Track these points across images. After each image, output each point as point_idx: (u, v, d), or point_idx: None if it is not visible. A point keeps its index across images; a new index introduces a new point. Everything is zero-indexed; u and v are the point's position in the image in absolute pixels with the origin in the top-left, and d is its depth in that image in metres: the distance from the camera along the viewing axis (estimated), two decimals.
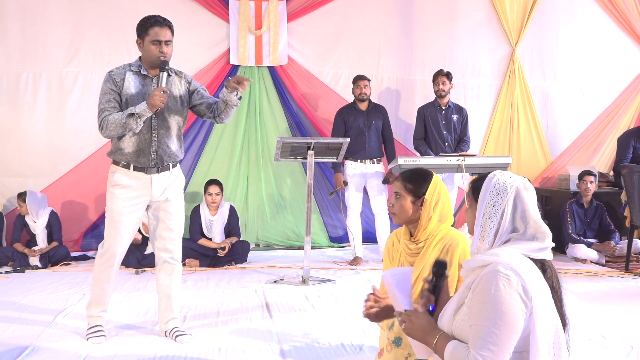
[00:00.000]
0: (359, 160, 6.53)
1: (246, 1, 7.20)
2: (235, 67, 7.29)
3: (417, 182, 2.74)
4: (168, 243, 3.91)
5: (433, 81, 6.78)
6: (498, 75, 7.91)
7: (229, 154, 7.33)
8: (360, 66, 7.48)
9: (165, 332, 3.91)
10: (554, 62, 8.04)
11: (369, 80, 6.66)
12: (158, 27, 3.70)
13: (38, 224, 6.40)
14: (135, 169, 3.76)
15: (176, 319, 3.97)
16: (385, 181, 6.55)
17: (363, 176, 6.54)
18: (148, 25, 3.70)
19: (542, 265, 1.98)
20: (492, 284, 1.87)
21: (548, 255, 2.00)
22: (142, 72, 3.78)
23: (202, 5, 7.19)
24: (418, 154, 6.79)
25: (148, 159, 3.76)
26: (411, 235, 2.81)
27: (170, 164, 3.87)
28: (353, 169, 6.53)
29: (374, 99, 6.96)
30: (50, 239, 6.47)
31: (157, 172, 3.80)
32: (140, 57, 3.83)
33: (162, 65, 3.70)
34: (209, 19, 7.25)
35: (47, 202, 6.57)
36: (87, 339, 3.78)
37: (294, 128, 7.44)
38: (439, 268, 2.20)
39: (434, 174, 2.81)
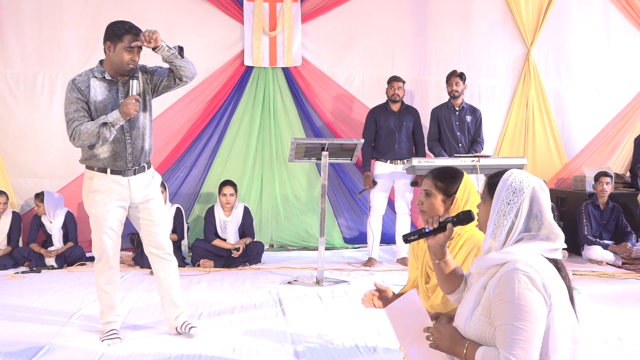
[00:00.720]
0: (388, 161, 6.53)
1: (260, 2, 7.22)
2: (249, 69, 7.31)
3: (447, 180, 2.71)
4: (158, 239, 3.92)
5: (446, 82, 6.75)
6: (513, 75, 7.88)
7: (243, 155, 7.35)
8: (374, 67, 7.48)
9: (176, 327, 3.94)
10: (569, 63, 7.99)
11: (403, 82, 6.67)
12: (133, 36, 3.65)
13: (54, 225, 6.45)
14: (113, 172, 3.76)
15: (184, 312, 4.00)
16: (414, 184, 6.55)
17: (391, 177, 6.54)
18: (124, 32, 3.65)
19: (555, 263, 1.98)
20: (512, 282, 1.87)
21: (559, 255, 2.02)
22: (106, 77, 3.72)
23: (217, 7, 7.22)
24: (432, 155, 6.77)
25: (125, 162, 3.76)
26: None
27: (146, 165, 3.89)
28: (382, 169, 6.54)
29: None
30: (66, 239, 6.53)
31: (134, 174, 3.81)
32: (101, 62, 3.78)
33: (132, 72, 3.66)
34: (224, 21, 7.28)
35: (63, 202, 6.63)
36: (102, 341, 3.80)
37: (308, 129, 7.45)
38: (465, 216, 2.30)
39: (464, 172, 2.79)
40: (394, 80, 6.66)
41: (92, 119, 3.67)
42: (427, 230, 2.33)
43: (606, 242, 6.66)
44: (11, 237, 6.45)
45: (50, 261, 6.27)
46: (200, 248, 6.38)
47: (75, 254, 6.40)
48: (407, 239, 2.40)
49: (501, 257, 1.97)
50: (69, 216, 6.56)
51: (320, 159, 5.64)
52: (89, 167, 3.80)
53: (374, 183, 6.53)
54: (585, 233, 6.68)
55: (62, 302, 4.82)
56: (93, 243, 3.85)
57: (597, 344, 3.76)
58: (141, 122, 3.81)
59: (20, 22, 6.93)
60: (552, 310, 1.87)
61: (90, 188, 3.77)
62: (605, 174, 6.80)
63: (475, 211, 2.70)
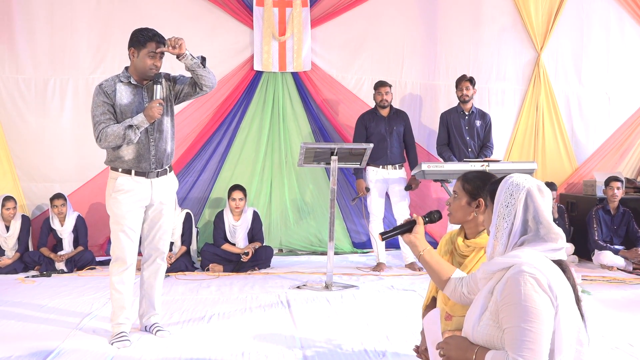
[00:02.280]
0: (380, 166, 6.51)
1: (270, 7, 7.24)
2: (259, 73, 7.33)
3: (475, 184, 2.72)
4: (160, 243, 4.10)
5: (456, 86, 6.74)
6: (523, 80, 7.86)
7: (253, 160, 7.36)
8: (383, 72, 7.47)
9: (146, 327, 4.12)
10: (579, 67, 7.95)
11: (390, 86, 6.64)
12: (156, 43, 3.83)
13: (65, 229, 6.48)
14: (137, 173, 3.91)
15: (157, 314, 4.17)
16: (408, 187, 6.52)
17: (385, 182, 6.52)
18: (147, 39, 3.83)
19: (560, 264, 2.00)
20: (519, 284, 1.89)
21: (563, 255, 2.04)
22: (132, 82, 3.90)
23: (227, 12, 7.24)
24: (441, 159, 6.76)
25: (149, 164, 3.91)
26: (466, 237, 2.80)
27: (168, 169, 4.06)
28: (375, 174, 6.51)
29: (397, 105, 6.97)
30: (76, 243, 6.55)
31: (157, 176, 3.97)
32: (127, 68, 3.96)
33: (156, 77, 3.85)
34: (233, 26, 7.31)
35: (73, 207, 6.68)
36: (112, 344, 3.83)
37: (317, 134, 7.45)
38: (435, 215, 2.69)
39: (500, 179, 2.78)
40: (380, 85, 6.60)
41: (118, 122, 3.83)
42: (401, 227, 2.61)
43: (617, 247, 6.63)
44: (20, 240, 6.48)
45: (60, 265, 6.29)
46: (210, 252, 6.39)
47: (86, 258, 6.42)
48: (383, 236, 2.62)
49: (507, 260, 1.99)
50: (79, 220, 6.59)
51: (329, 164, 5.64)
52: (113, 168, 3.95)
53: (367, 190, 6.51)
54: (596, 238, 6.65)
55: (72, 306, 4.84)
56: (112, 242, 3.97)
57: (608, 350, 3.74)
58: (165, 125, 3.97)
59: (32, 28, 6.98)
60: (558, 311, 1.88)
61: (114, 188, 3.91)
62: (615, 178, 6.77)
63: None
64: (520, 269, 1.91)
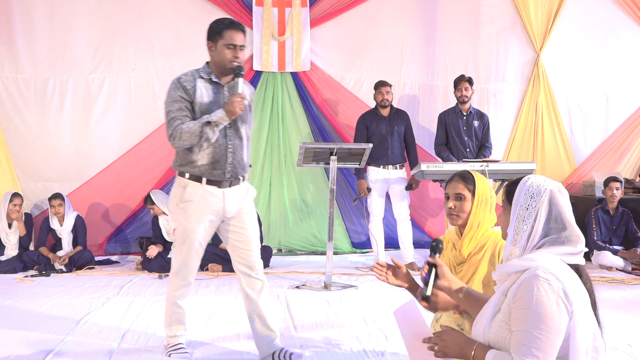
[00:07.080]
0: (381, 166, 6.51)
1: (269, 7, 7.24)
2: (258, 73, 7.33)
3: (474, 183, 2.80)
4: (250, 258, 3.64)
5: (455, 87, 6.74)
6: (522, 80, 7.86)
7: (252, 160, 7.31)
8: (382, 72, 7.47)
9: (273, 354, 3.56)
10: (578, 68, 7.95)
11: (390, 85, 6.64)
12: (234, 31, 3.42)
13: (64, 228, 6.48)
14: (209, 182, 3.48)
15: (277, 337, 3.65)
16: (409, 187, 6.52)
17: (385, 182, 6.52)
18: (223, 28, 3.43)
19: (577, 269, 1.97)
20: (533, 289, 1.87)
21: (580, 260, 2.01)
22: (213, 80, 3.50)
23: (226, 12, 7.23)
24: (440, 159, 6.76)
25: (223, 172, 3.48)
26: (461, 234, 2.82)
27: (241, 178, 3.60)
28: (376, 174, 6.51)
29: (395, 105, 6.95)
30: (75, 243, 6.55)
31: (230, 186, 3.53)
32: (208, 63, 3.55)
33: (238, 70, 3.44)
34: None
35: (73, 206, 6.67)
36: (169, 355, 3.61)
37: (317, 134, 7.45)
38: (438, 244, 2.45)
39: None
40: (381, 85, 6.61)
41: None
42: (426, 277, 2.35)
43: (616, 247, 6.63)
44: (23, 240, 6.48)
45: (59, 265, 6.29)
46: (209, 252, 6.33)
47: (85, 257, 6.42)
48: (425, 297, 2.36)
49: (522, 263, 1.96)
50: (78, 220, 6.59)
51: (328, 164, 5.64)
52: (181, 174, 3.52)
53: (369, 190, 6.51)
54: (595, 238, 6.65)
55: (71, 305, 4.83)
56: (175, 253, 3.63)
57: (607, 350, 3.74)
58: (244, 132, 3.58)
59: (32, 27, 6.98)
60: (573, 318, 1.85)
61: (182, 197, 3.49)
62: (614, 179, 6.77)
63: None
64: (535, 273, 1.89)
